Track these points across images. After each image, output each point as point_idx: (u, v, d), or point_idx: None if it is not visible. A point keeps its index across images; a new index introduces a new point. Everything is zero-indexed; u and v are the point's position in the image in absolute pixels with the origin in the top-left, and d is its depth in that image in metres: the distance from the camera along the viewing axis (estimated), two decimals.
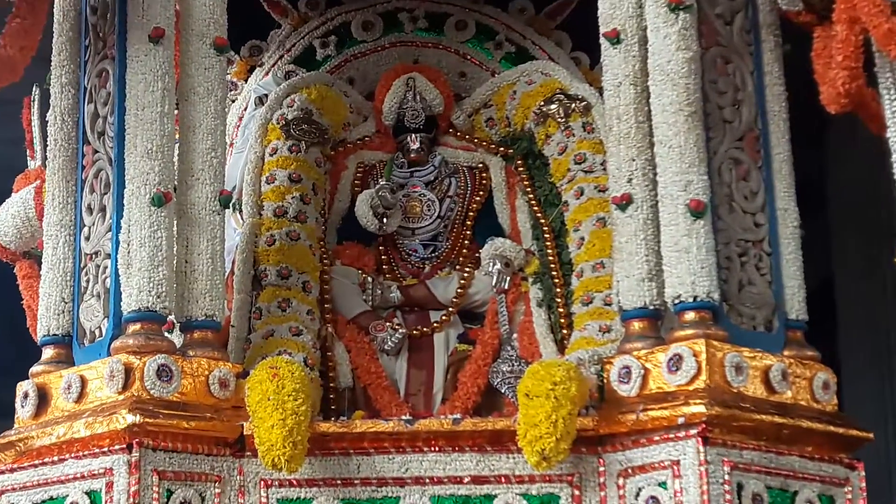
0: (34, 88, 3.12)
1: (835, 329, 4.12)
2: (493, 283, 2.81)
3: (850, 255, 4.15)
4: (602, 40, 2.49)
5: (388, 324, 2.77)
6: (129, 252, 2.33)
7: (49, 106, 2.68)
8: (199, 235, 2.43)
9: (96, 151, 2.55)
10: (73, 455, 2.30)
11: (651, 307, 2.31)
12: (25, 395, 2.44)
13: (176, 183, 2.41)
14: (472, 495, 2.34)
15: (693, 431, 2.12)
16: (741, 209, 2.42)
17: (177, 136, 2.48)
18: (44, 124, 2.94)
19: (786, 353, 2.36)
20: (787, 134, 2.51)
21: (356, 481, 2.35)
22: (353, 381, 2.67)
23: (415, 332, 2.79)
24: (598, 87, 2.80)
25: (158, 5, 2.41)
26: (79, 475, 2.29)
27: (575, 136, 2.85)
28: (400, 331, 2.76)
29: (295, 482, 2.33)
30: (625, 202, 2.36)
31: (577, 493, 2.29)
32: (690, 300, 2.23)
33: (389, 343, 2.72)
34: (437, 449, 2.34)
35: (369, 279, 2.85)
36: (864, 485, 2.38)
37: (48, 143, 2.66)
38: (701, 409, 2.11)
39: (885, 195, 2.83)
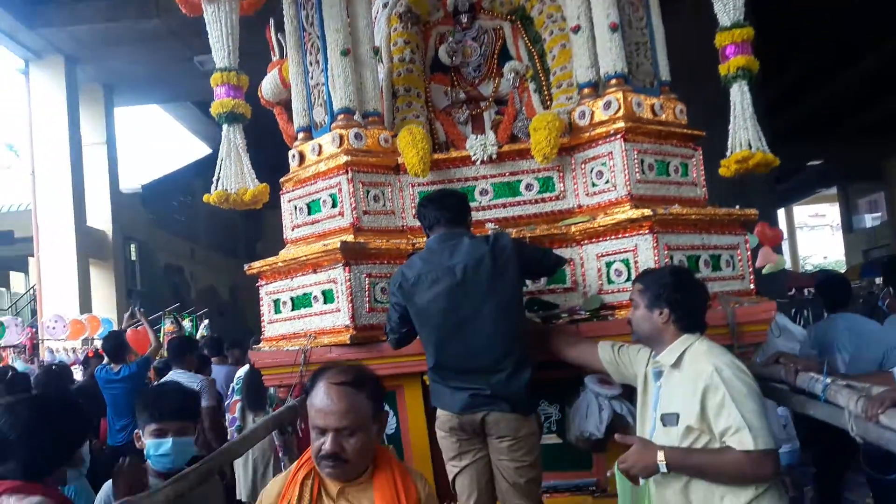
0: (270, 20, 5.35)
1: None
2: (511, 83, 4.97)
3: None
4: None
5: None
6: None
7: (277, 25, 4.74)
8: None
9: (310, 34, 4.52)
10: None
11: (593, 80, 4.33)
12: (293, 156, 4.67)
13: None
14: (511, 181, 4.45)
15: (617, 136, 4.09)
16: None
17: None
18: (277, 37, 5.22)
19: (661, 97, 4.40)
20: None
21: (454, 181, 4.38)
22: None
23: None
24: None
25: None
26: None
27: (545, 2, 5.06)
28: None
29: (425, 183, 4.41)
30: (576, 30, 4.33)
31: (561, 174, 4.36)
32: (613, 73, 4.24)
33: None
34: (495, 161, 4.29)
35: (448, 89, 5.08)
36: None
37: (286, 37, 4.67)
38: (621, 124, 4.08)
39: None
